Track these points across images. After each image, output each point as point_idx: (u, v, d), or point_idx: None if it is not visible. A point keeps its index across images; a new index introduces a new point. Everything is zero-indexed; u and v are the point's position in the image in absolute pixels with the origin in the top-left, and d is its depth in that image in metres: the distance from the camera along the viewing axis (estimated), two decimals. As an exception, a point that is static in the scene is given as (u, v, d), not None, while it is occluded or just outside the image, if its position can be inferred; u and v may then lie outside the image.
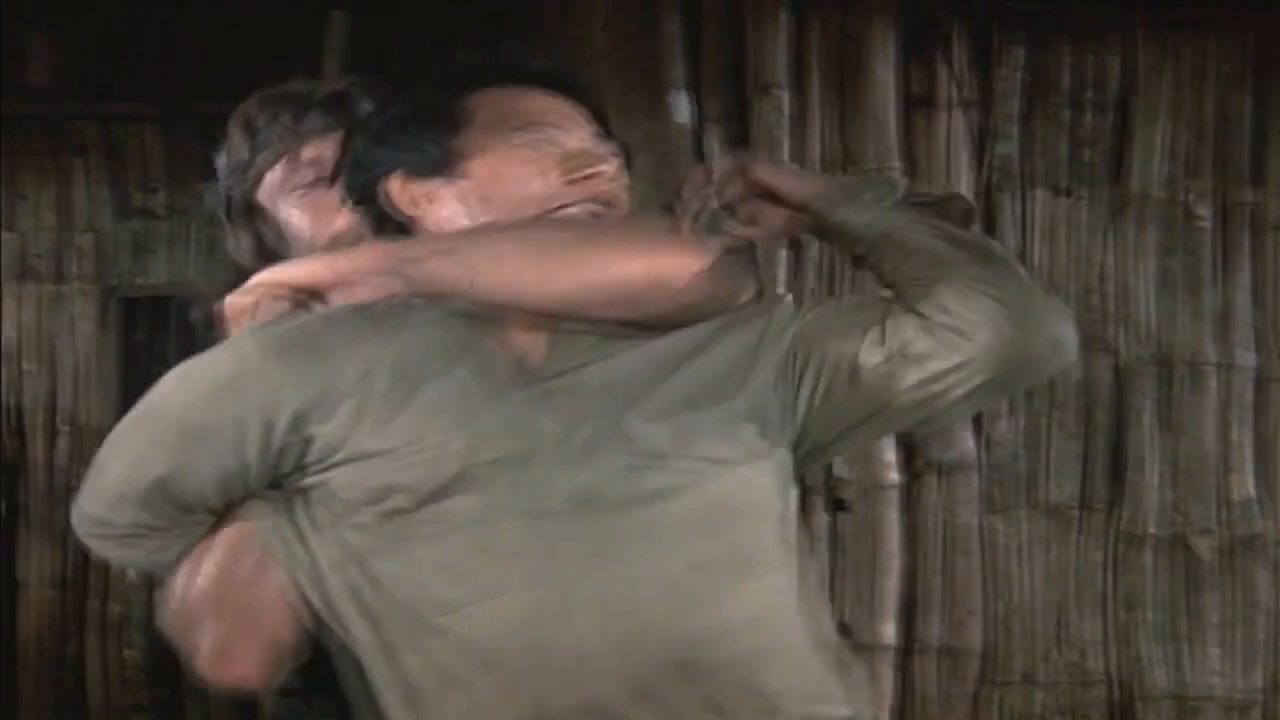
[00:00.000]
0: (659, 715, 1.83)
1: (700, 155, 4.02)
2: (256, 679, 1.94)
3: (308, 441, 1.90)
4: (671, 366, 1.94)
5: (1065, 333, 1.93)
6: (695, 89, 4.07)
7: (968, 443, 4.13)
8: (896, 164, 4.11)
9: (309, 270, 2.00)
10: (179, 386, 1.95)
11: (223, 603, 1.93)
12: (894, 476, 4.09)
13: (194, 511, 1.93)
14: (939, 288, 1.90)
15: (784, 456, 1.96)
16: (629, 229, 2.00)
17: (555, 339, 1.95)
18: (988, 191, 4.18)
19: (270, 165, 2.32)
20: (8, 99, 4.73)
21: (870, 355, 1.93)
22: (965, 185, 4.14)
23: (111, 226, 5.08)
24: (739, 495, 1.90)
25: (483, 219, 1.99)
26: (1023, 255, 4.08)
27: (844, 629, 3.92)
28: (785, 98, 4.08)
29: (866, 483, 4.07)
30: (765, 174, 2.04)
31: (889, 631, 4.09)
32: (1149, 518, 4.16)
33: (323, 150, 2.28)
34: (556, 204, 2.00)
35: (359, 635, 1.89)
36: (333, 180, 2.19)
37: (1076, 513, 4.17)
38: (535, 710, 1.83)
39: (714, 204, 2.03)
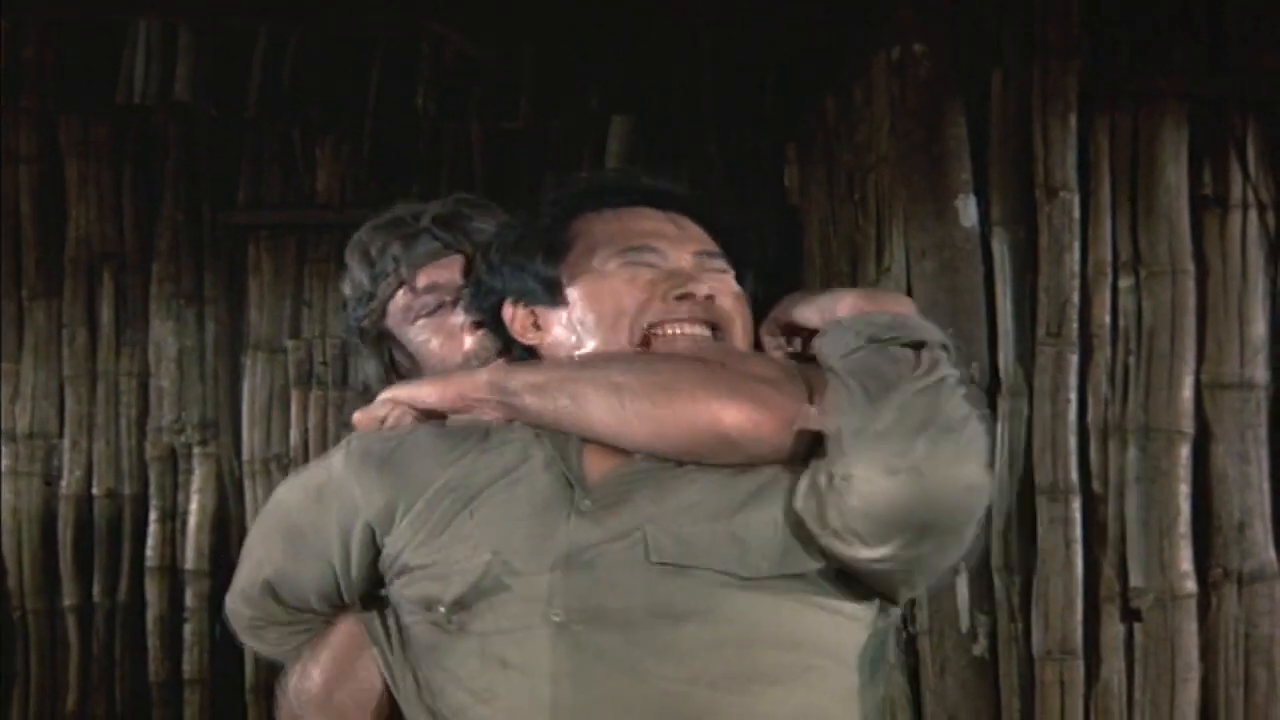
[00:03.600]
0: None
1: (987, 259, 3.97)
2: None
3: (378, 552, 2.04)
4: (717, 484, 1.95)
5: (969, 479, 1.86)
6: (982, 193, 4.00)
7: (1267, 551, 4.02)
8: (1189, 266, 4.03)
9: (424, 392, 2.12)
10: (286, 491, 2.14)
11: (326, 700, 2.09)
12: (1190, 586, 3.98)
13: (302, 611, 2.13)
14: (847, 458, 1.86)
15: (823, 574, 1.93)
16: (715, 377, 1.97)
17: (622, 460, 1.99)
18: (1284, 291, 4.09)
19: (390, 295, 2.37)
20: (296, 209, 4.84)
21: (799, 502, 1.91)
22: (1260, 287, 4.06)
23: (394, 334, 5.08)
24: (753, 614, 1.90)
25: (589, 342, 2.08)
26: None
27: (1142, 741, 3.88)
28: (1074, 200, 3.99)
29: (1162, 592, 3.97)
30: (786, 312, 2.10)
31: (1189, 744, 3.99)
32: None
33: (436, 275, 2.33)
34: (651, 322, 2.06)
35: None
36: (454, 304, 2.29)
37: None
38: None
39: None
